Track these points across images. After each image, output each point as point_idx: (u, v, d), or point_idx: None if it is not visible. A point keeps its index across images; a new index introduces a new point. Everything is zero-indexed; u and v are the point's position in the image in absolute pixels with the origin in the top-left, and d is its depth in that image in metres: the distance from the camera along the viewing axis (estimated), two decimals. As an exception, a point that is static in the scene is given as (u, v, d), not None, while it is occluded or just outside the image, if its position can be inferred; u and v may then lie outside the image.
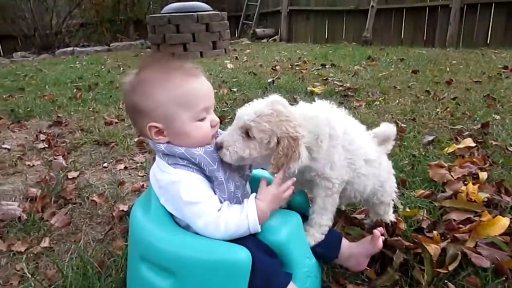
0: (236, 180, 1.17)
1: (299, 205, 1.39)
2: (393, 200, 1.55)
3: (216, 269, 1.01)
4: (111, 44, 10.49)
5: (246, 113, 1.11)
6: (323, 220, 1.26)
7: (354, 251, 1.28)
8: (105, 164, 2.34)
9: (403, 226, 1.57)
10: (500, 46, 7.25)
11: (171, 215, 1.14)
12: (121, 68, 6.30)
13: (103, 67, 6.62)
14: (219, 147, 1.13)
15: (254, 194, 1.15)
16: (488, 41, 7.73)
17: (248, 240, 1.08)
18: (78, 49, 10.05)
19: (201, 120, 1.13)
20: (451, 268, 1.34)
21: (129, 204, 1.85)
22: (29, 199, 1.93)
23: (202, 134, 1.14)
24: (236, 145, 1.10)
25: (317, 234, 1.25)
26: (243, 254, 1.02)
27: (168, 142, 1.13)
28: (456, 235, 1.50)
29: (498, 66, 4.98)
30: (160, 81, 1.10)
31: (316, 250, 1.25)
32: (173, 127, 1.11)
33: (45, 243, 1.59)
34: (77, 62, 7.46)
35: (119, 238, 1.60)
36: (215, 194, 1.11)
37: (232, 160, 1.11)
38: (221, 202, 1.11)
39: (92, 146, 2.69)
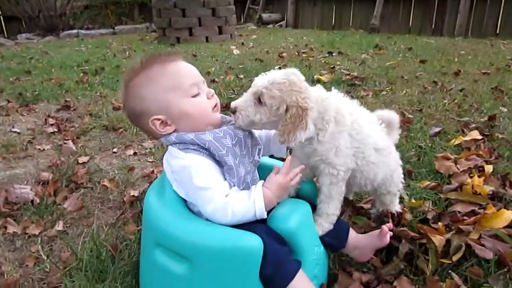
0: (246, 165, 1.20)
1: (308, 194, 1.41)
2: (399, 191, 1.57)
3: (230, 256, 1.05)
4: (116, 27, 10.45)
5: (260, 80, 1.17)
6: (330, 209, 1.28)
7: (361, 243, 1.32)
8: (115, 150, 2.37)
9: (408, 216, 1.59)
10: (509, 36, 7.17)
11: (184, 201, 1.18)
12: (127, 52, 6.29)
13: (108, 50, 6.61)
14: (233, 111, 1.18)
15: (261, 181, 1.18)
16: (497, 31, 7.65)
17: (260, 228, 1.12)
18: (82, 31, 10.03)
19: (195, 96, 1.17)
20: (455, 258, 1.38)
21: (139, 189, 1.89)
22: (41, 183, 1.97)
23: (201, 108, 1.17)
24: (248, 109, 1.16)
25: (325, 224, 1.28)
26: (255, 242, 1.05)
27: (175, 131, 1.16)
28: (460, 226, 1.53)
29: (507, 57, 4.95)
30: (143, 80, 1.15)
31: (324, 239, 1.28)
32: (173, 113, 1.14)
33: (59, 226, 1.63)
34: (82, 45, 7.46)
35: (131, 223, 1.64)
36: (225, 179, 1.14)
37: (244, 123, 1.18)
38: (230, 186, 1.14)
39: (101, 131, 2.72)
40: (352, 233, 1.34)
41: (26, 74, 4.69)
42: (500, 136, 2.47)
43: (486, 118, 2.75)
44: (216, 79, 4.07)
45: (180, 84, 1.15)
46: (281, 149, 1.41)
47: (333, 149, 1.21)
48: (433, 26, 8.37)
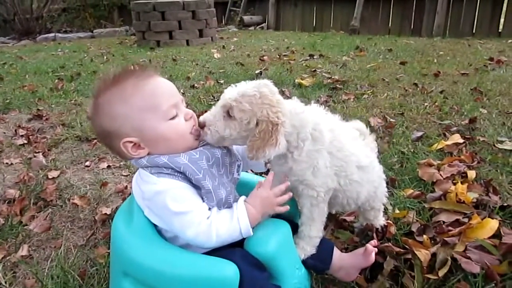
0: (226, 186, 1.12)
1: (288, 212, 1.35)
2: (383, 205, 1.52)
3: (203, 286, 0.97)
4: (94, 31, 10.22)
5: (229, 92, 1.10)
6: (312, 232, 1.21)
7: (346, 263, 1.26)
8: (87, 163, 2.26)
9: (393, 230, 1.55)
10: (485, 36, 7.30)
11: (155, 226, 1.09)
12: (105, 57, 6.13)
13: (86, 55, 6.44)
14: (202, 126, 1.11)
15: (243, 197, 1.11)
16: (473, 31, 7.77)
17: (236, 254, 1.05)
18: (60, 35, 9.77)
19: (173, 118, 1.07)
20: (441, 274, 1.33)
21: (112, 206, 1.79)
22: (6, 202, 1.86)
23: (179, 132, 1.09)
24: (217, 124, 1.08)
25: (307, 247, 1.21)
26: (230, 270, 0.98)
27: (148, 154, 1.07)
28: (445, 238, 1.49)
29: (484, 57, 4.99)
30: (115, 96, 1.04)
31: (307, 261, 1.22)
32: (147, 136, 1.05)
33: (24, 251, 1.52)
34: (59, 50, 7.25)
35: (102, 245, 1.54)
36: (203, 201, 1.07)
37: (213, 140, 1.10)
38: (209, 209, 1.06)
39: (73, 142, 2.60)
40: (336, 252, 1.28)
41: (-3, 81, 4.51)
42: (481, 139, 2.46)
43: (466, 121, 2.74)
44: (196, 85, 3.97)
45: (157, 105, 1.05)
46: (259, 163, 1.34)
47: (310, 169, 1.14)
48: (412, 26, 8.45)
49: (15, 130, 2.83)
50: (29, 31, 9.84)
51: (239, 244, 1.09)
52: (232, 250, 1.05)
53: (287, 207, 1.13)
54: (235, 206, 1.08)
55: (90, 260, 1.46)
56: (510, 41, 6.48)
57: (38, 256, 1.52)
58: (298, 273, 1.16)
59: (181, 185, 1.03)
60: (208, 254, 1.04)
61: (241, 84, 1.12)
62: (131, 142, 1.05)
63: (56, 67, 5.23)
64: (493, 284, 1.28)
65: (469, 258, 1.38)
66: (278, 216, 1.28)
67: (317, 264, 1.24)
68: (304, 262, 1.20)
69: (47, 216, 1.74)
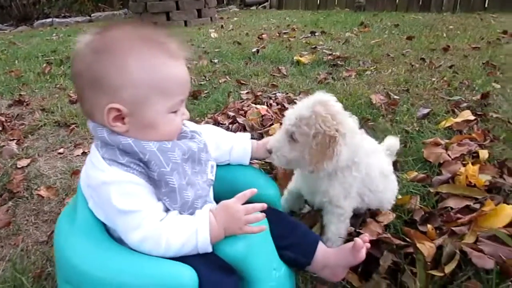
0: (197, 188, 0.93)
1: (271, 199, 1.17)
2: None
3: (153, 296, 0.79)
4: (92, 15, 9.97)
5: (288, 117, 1.14)
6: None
7: (331, 261, 1.07)
8: (61, 150, 2.08)
9: (392, 217, 1.36)
10: (498, 10, 6.96)
11: (103, 224, 0.91)
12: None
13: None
14: (270, 152, 1.16)
15: (209, 205, 0.92)
16: (485, 5, 7.41)
17: (197, 255, 0.86)
18: (57, 20, 9.54)
19: (174, 112, 0.90)
20: (447, 270, 1.14)
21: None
22: (-31, 194, 1.70)
23: (172, 129, 0.92)
24: (283, 149, 1.14)
25: None
26: (187, 276, 0.80)
27: (126, 132, 0.87)
28: (453, 228, 1.30)
29: (497, 31, 4.70)
30: (137, 53, 0.83)
31: (287, 255, 1.05)
32: (141, 116, 0.86)
33: (-23, 249, 1.37)
34: (54, 34, 7.04)
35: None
36: (164, 202, 0.88)
37: (281, 163, 1.16)
38: (169, 210, 0.89)
39: (52, 128, 2.42)
40: (321, 248, 1.09)
41: (-15, 67, 4.34)
42: (495, 115, 2.24)
43: (478, 96, 2.51)
44: (188, 65, 3.75)
45: (171, 94, 0.87)
46: (243, 159, 1.17)
47: (343, 193, 1.20)
48: (420, 2, 8.09)
49: (-6, 117, 2.66)
50: (27, 17, 9.64)
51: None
52: (194, 251, 0.86)
53: (260, 228, 0.91)
54: (197, 213, 0.90)
55: (49, 259, 1.30)
56: (524, 13, 6.12)
57: (-5, 255, 1.37)
58: (276, 274, 0.98)
59: (134, 179, 0.84)
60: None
61: (297, 105, 1.16)
62: (119, 111, 0.84)
63: (48, 52, 5.05)
64: (510, 282, 1.09)
65: (481, 251, 1.19)
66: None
67: (298, 258, 1.06)
68: (283, 256, 1.03)
69: (8, 210, 1.58)
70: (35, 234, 1.46)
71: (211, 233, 0.86)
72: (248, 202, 0.92)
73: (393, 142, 1.60)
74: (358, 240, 1.01)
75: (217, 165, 1.15)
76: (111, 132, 0.86)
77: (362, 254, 1.02)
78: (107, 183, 0.83)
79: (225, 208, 0.90)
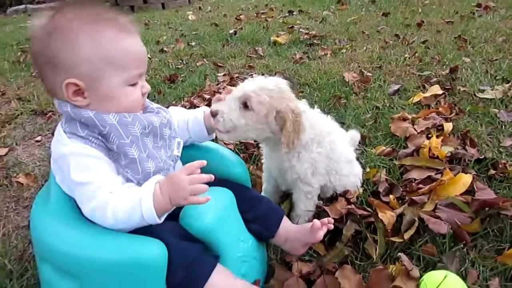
0: (158, 161, 0.98)
1: (239, 177, 1.23)
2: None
3: (125, 270, 0.85)
4: (67, 0, 9.71)
5: (248, 85, 1.14)
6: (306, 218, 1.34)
7: (291, 236, 1.13)
8: (39, 138, 2.10)
9: (360, 191, 1.43)
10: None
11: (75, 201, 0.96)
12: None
13: (55, 25, 6.08)
14: (214, 115, 1.11)
15: (158, 176, 0.95)
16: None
17: (164, 229, 0.92)
18: (31, 6, 9.27)
19: (133, 85, 0.94)
20: (406, 236, 1.23)
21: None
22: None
23: (131, 101, 0.95)
24: (232, 114, 1.10)
25: None
26: (155, 249, 0.86)
27: (87, 106, 0.91)
28: (414, 198, 1.38)
29: (472, 4, 4.75)
30: (87, 30, 0.88)
31: (252, 227, 1.11)
32: (98, 89, 0.90)
33: (-41, 236, 1.40)
34: (28, 21, 6.85)
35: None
36: (126, 174, 0.93)
37: (225, 128, 1.11)
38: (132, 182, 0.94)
39: (28, 116, 2.42)
40: (285, 222, 1.15)
41: (-45, 57, 4.23)
42: (462, 89, 2.32)
43: (447, 71, 2.58)
44: (165, 49, 3.75)
45: (126, 67, 0.92)
46: (202, 134, 1.20)
47: (311, 169, 1.25)
48: (399, -24, 8.06)
49: (-31, 108, 2.64)
50: (0, 4, 9.34)
51: (174, 219, 0.97)
52: (161, 224, 0.91)
53: (206, 198, 0.90)
54: (144, 185, 0.92)
55: (30, 242, 1.35)
56: (499, -14, 6.19)
57: (-24, 241, 1.40)
58: (243, 246, 1.04)
59: (92, 152, 0.89)
60: (135, 232, 0.91)
61: (257, 78, 1.17)
62: (77, 85, 0.89)
63: (22, 40, 4.94)
64: (462, 245, 1.18)
65: (438, 217, 1.28)
66: (229, 179, 1.18)
67: (262, 231, 1.12)
68: (249, 228, 1.09)
69: (-12, 198, 1.61)
70: (16, 219, 1.50)
71: (155, 202, 0.86)
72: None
73: (353, 134, 1.73)
74: (316, 221, 1.07)
75: (189, 145, 1.21)
76: (74, 106, 0.91)
77: (320, 234, 1.07)
78: (66, 155, 0.89)
79: (169, 178, 0.89)
